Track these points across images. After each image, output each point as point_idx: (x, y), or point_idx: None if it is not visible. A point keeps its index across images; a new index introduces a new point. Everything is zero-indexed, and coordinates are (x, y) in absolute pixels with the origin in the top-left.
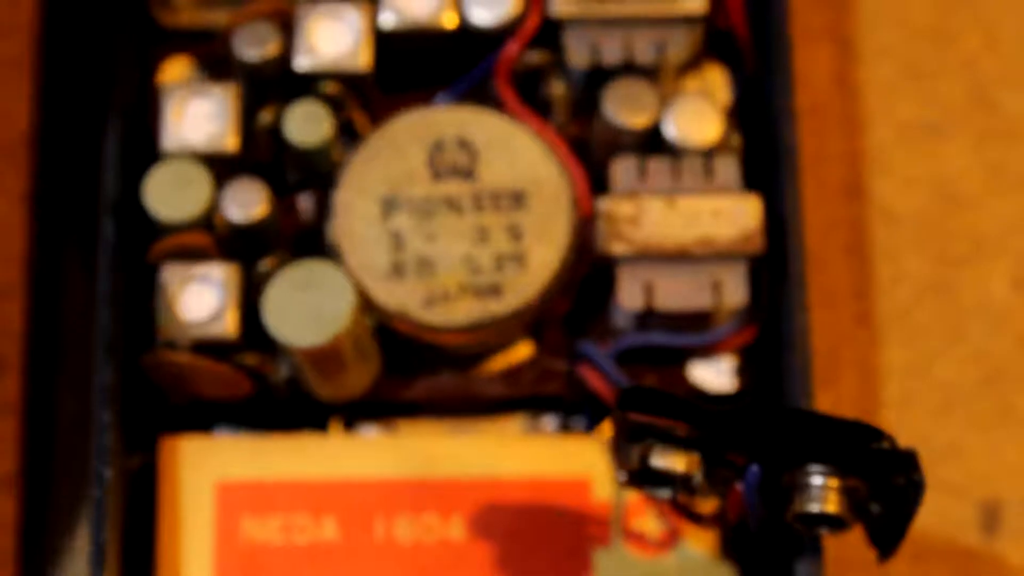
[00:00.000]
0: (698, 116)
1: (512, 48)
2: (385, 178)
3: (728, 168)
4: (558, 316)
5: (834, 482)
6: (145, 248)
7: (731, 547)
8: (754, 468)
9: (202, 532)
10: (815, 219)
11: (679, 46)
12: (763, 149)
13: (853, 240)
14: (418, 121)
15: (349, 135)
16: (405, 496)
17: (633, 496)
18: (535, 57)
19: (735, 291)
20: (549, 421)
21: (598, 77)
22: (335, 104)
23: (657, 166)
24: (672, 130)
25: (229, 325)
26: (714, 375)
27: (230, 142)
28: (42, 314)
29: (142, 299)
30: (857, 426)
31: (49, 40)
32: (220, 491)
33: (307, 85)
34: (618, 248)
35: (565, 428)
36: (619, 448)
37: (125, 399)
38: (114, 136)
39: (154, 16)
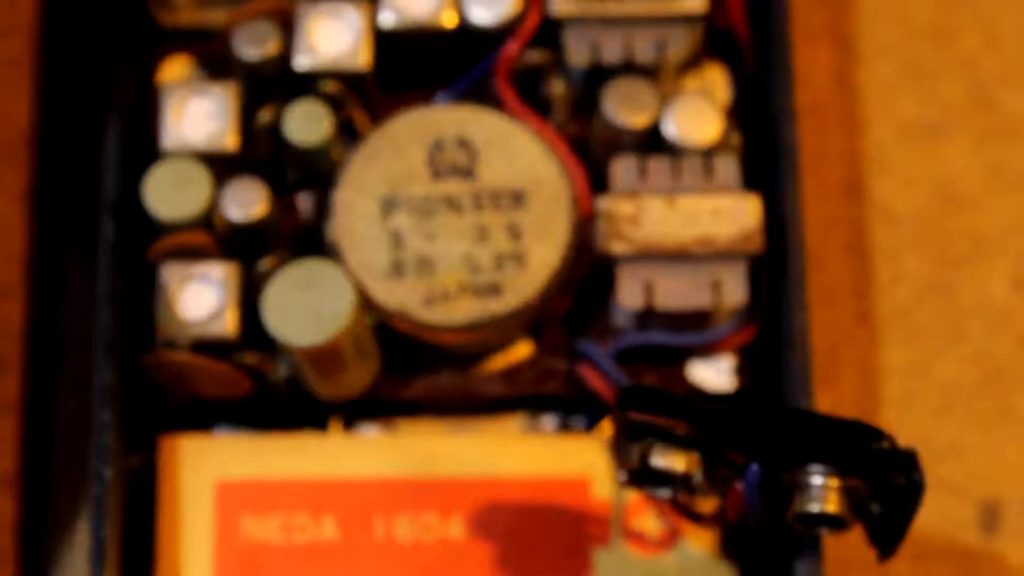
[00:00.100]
0: (698, 115)
1: (512, 47)
2: (385, 177)
3: (728, 167)
4: (558, 315)
5: (834, 482)
6: (145, 247)
7: (731, 547)
8: (754, 468)
9: (202, 531)
10: (815, 218)
11: (679, 45)
12: (763, 148)
13: (853, 240)
14: (418, 120)
15: (349, 134)
16: (405, 495)
17: (633, 495)
18: (535, 56)
19: (735, 290)
20: (549, 420)
21: (598, 76)
22: (335, 103)
23: (657, 165)
24: (672, 129)
25: (229, 324)
26: (714, 374)
27: (230, 141)
28: (42, 313)
29: (142, 298)
30: (857, 426)
31: (49, 40)
32: (220, 490)
33: (307, 84)
34: (618, 247)
35: (565, 427)
36: (619, 447)
37: (125, 398)
38: (114, 135)
39: (154, 15)
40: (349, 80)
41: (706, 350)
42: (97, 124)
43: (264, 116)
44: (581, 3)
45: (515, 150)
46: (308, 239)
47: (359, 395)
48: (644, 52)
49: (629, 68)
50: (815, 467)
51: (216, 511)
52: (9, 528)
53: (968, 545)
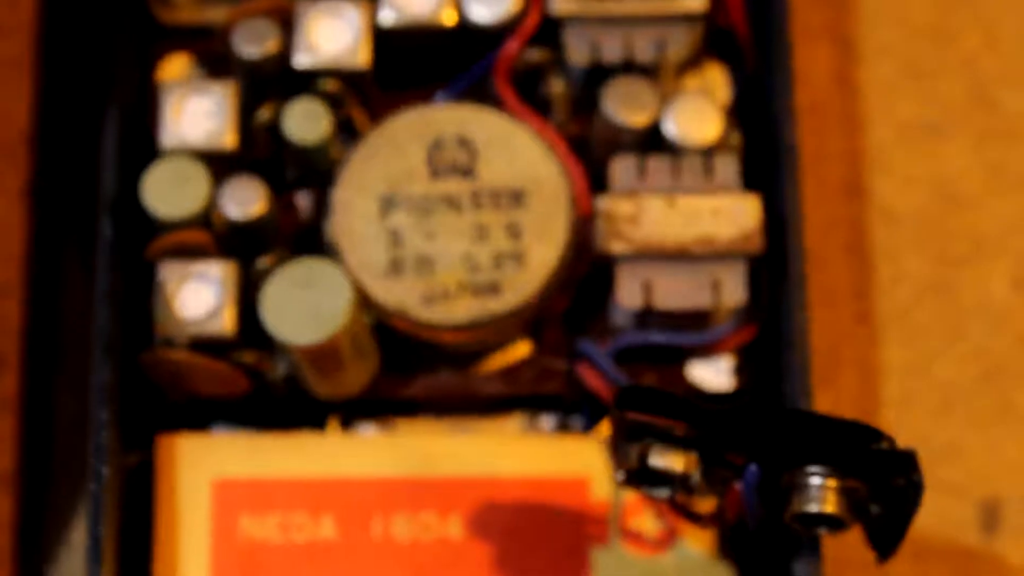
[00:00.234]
0: (698, 115)
1: (512, 46)
2: (384, 176)
3: (728, 167)
4: (557, 315)
5: (833, 482)
6: (143, 246)
7: (729, 547)
8: (753, 468)
9: (199, 530)
10: (815, 218)
11: (679, 44)
12: (763, 148)
13: (853, 239)
14: (417, 119)
15: (348, 133)
16: (403, 495)
17: (631, 495)
18: (535, 55)
19: (734, 290)
20: (548, 420)
21: (598, 75)
22: (334, 102)
23: (657, 165)
24: (672, 129)
25: (227, 323)
26: (713, 374)
27: (229, 139)
28: (40, 312)
29: (140, 297)
30: (856, 426)
31: (49, 40)
32: (217, 489)
33: (306, 82)
34: (617, 247)
35: (564, 427)
36: (617, 447)
37: (123, 397)
38: (113, 133)
39: (153, 13)
40: (348, 78)
41: (705, 350)
42: (96, 122)
43: (263, 114)
44: (581, 2)
45: (515, 149)
46: (307, 238)
47: (358, 394)
48: (644, 51)
49: (629, 67)
50: (814, 467)
51: (214, 510)
52: (7, 526)
53: (968, 544)
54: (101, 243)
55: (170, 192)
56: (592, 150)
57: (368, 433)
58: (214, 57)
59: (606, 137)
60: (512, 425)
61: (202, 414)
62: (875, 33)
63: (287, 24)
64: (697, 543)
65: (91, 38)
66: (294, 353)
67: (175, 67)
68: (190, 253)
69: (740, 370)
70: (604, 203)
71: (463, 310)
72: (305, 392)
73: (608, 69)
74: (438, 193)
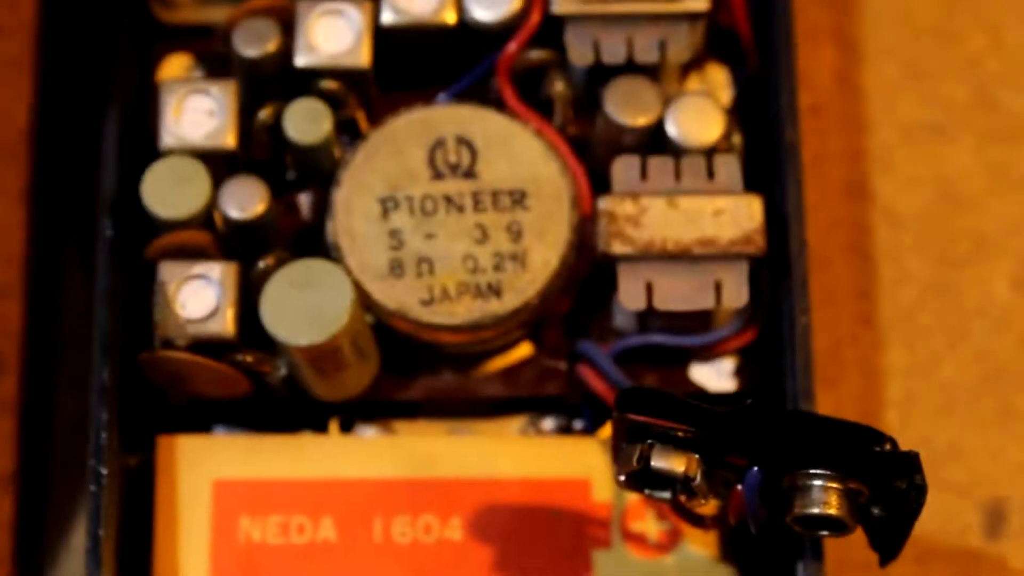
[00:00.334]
0: (700, 115)
1: (513, 46)
2: (385, 176)
3: (730, 168)
4: (558, 316)
5: (835, 485)
6: (143, 246)
7: (731, 549)
8: (755, 470)
9: (199, 531)
10: (817, 219)
11: (681, 44)
12: (765, 148)
13: (855, 240)
14: (418, 119)
15: (349, 133)
16: (404, 496)
17: (633, 497)
18: (536, 55)
19: (736, 291)
20: (549, 421)
21: (599, 75)
22: (335, 102)
23: (658, 165)
24: (673, 129)
25: (227, 324)
26: (715, 376)
27: (229, 139)
28: (40, 313)
29: (140, 297)
30: (858, 429)
31: (49, 39)
32: (217, 490)
33: (307, 82)
34: (619, 248)
35: (565, 429)
36: (619, 449)
37: (123, 398)
38: (112, 133)
39: (154, 13)
40: (349, 78)
41: (707, 351)
42: (96, 122)
43: (264, 115)
44: (583, 2)
45: (516, 150)
46: (307, 238)
47: (358, 395)
48: (646, 51)
49: (631, 67)
50: (816, 470)
51: (214, 511)
52: (7, 528)
53: (972, 546)
54: (101, 243)
55: (170, 192)
56: (593, 150)
57: (368, 434)
58: (214, 57)
59: (607, 137)
60: (513, 427)
61: (202, 415)
62: (878, 34)
63: (288, 24)
64: (699, 545)
65: (91, 38)
66: (294, 354)
67: (175, 67)
68: (190, 254)
69: (742, 371)
70: (605, 204)
71: (464, 311)
72: (305, 393)
73: (610, 69)
74: (439, 194)
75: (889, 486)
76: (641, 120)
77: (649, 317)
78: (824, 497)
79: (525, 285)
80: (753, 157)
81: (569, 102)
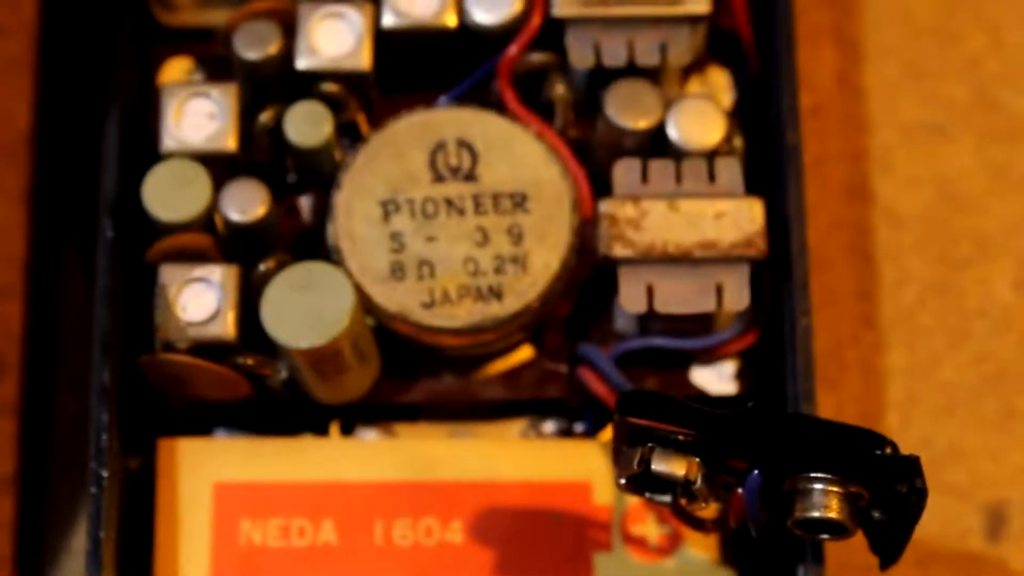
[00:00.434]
0: (701, 118)
1: (514, 49)
2: (386, 179)
3: (731, 171)
4: (559, 319)
5: (836, 488)
6: (144, 248)
7: (732, 552)
8: (755, 473)
9: (200, 534)
10: (818, 220)
11: (682, 47)
12: (766, 151)
13: (856, 241)
14: (419, 122)
15: (350, 136)
16: (404, 499)
17: (634, 500)
18: (537, 58)
19: (737, 294)
20: (550, 424)
21: (600, 78)
22: (336, 104)
23: (659, 168)
24: (675, 132)
25: (228, 326)
26: (716, 379)
27: (230, 142)
28: (41, 315)
29: (141, 300)
30: (859, 432)
31: (49, 40)
32: (218, 492)
33: (308, 85)
34: (620, 251)
35: (566, 432)
36: (620, 452)
37: (123, 400)
38: (113, 136)
39: (154, 15)
40: (350, 81)
41: (708, 354)
42: (96, 124)
43: (265, 117)
44: (583, 4)
45: (516, 152)
46: (308, 241)
47: (359, 398)
48: (647, 54)
49: (632, 70)
50: (817, 473)
51: (214, 513)
52: (7, 529)
53: (973, 549)
54: (101, 246)
55: (171, 195)
56: (594, 153)
57: (369, 437)
58: (215, 59)
59: (608, 140)
60: (514, 429)
61: (203, 418)
62: (879, 34)
63: (288, 26)
64: (700, 549)
65: (91, 39)
66: (295, 357)
67: (176, 70)
68: (191, 257)
69: (743, 374)
70: (606, 207)
71: (465, 314)
72: (306, 396)
73: (610, 72)
74: (440, 196)
75: (890, 490)
76: (642, 123)
77: (650, 320)
78: (825, 501)
79: (526, 288)
80: (754, 159)
81: (570, 105)
